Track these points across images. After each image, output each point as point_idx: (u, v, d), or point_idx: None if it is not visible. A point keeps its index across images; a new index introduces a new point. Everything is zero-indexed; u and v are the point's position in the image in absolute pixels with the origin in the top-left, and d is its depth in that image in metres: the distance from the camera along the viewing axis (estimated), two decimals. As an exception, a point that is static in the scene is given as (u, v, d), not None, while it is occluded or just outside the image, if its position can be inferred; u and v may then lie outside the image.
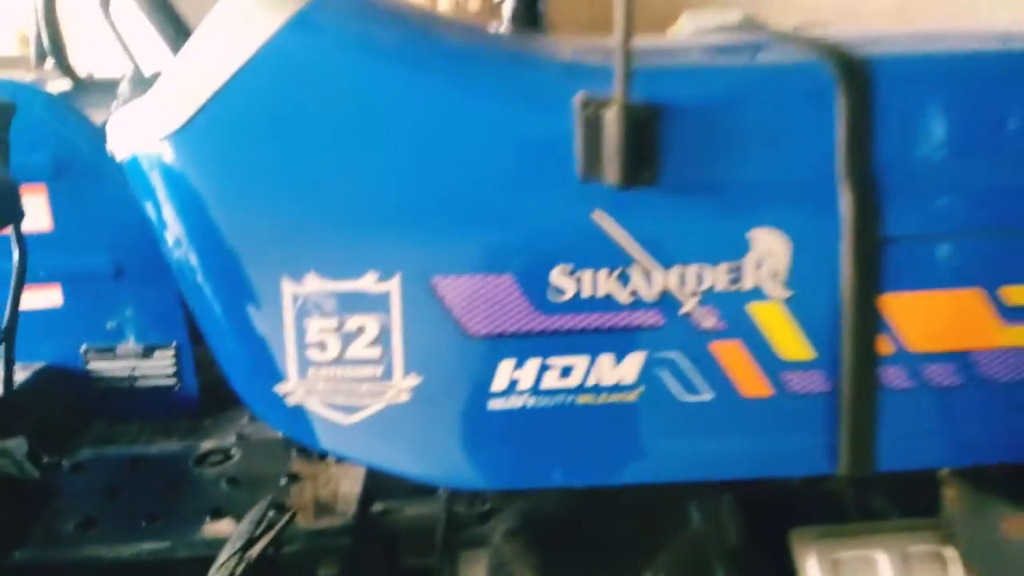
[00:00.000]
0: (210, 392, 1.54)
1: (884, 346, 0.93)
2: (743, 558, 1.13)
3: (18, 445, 1.25)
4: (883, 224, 0.89)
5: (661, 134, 0.87)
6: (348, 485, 1.24)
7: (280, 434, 1.41)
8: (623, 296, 0.91)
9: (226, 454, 1.35)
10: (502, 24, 1.17)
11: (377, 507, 1.25)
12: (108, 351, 1.53)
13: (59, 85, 1.56)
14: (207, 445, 1.37)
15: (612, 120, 0.84)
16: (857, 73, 0.89)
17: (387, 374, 0.93)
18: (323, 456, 1.32)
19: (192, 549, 1.12)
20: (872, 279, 0.90)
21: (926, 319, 0.92)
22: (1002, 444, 0.99)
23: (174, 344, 1.53)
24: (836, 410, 0.94)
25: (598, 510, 1.19)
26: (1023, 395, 0.92)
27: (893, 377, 0.94)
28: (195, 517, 1.17)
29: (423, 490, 1.25)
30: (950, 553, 1.05)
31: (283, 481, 1.26)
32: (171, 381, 1.54)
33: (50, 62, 1.59)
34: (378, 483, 1.26)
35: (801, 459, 0.98)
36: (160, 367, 1.55)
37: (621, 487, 1.16)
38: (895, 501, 1.17)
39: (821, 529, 1.10)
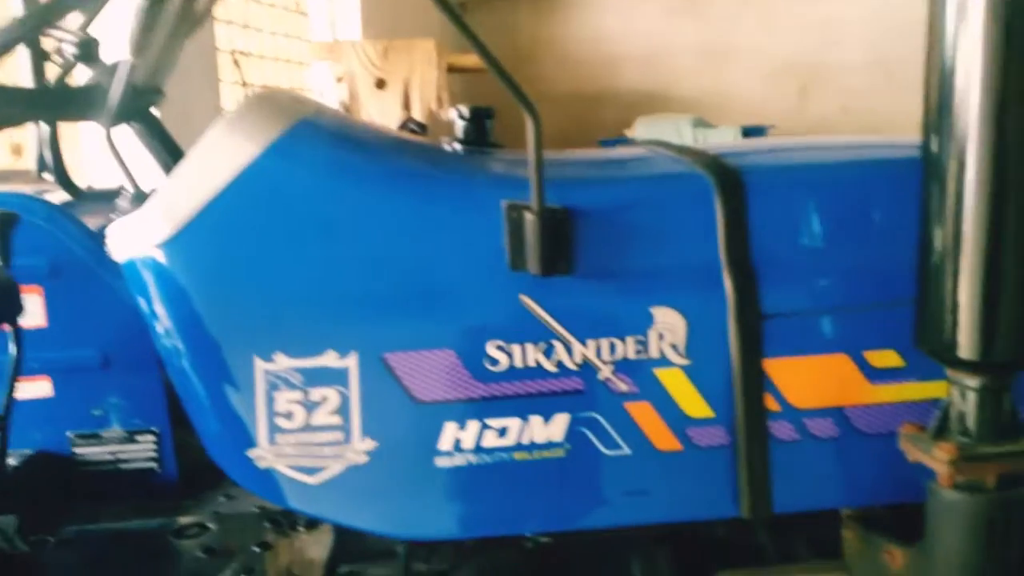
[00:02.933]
0: (188, 475, 1.63)
1: (771, 404, 1.07)
2: None
3: (8, 522, 1.35)
4: (761, 302, 1.06)
5: (574, 232, 1.04)
6: (316, 551, 1.35)
7: (254, 509, 1.53)
8: (549, 366, 1.06)
9: (203, 527, 1.45)
10: (454, 140, 1.31)
11: (343, 570, 1.35)
12: (93, 437, 1.62)
13: (59, 195, 1.69)
14: (185, 520, 1.48)
15: (531, 222, 1.01)
16: (731, 181, 1.08)
17: (347, 438, 1.06)
18: (293, 527, 1.43)
19: None
20: (755, 348, 1.05)
21: (804, 380, 1.07)
22: (882, 487, 1.12)
23: (156, 430, 1.64)
24: (735, 461, 1.09)
25: (549, 565, 1.29)
26: (894, 444, 1.04)
27: (781, 430, 1.08)
28: None
29: (385, 553, 1.36)
30: (850, 588, 1.17)
31: (256, 549, 1.37)
32: (152, 464, 1.63)
33: (49, 175, 1.73)
34: (344, 550, 1.38)
35: (712, 504, 1.11)
36: (142, 451, 1.64)
37: (568, 542, 1.28)
38: (812, 546, 1.29)
39: (743, 572, 1.21)
